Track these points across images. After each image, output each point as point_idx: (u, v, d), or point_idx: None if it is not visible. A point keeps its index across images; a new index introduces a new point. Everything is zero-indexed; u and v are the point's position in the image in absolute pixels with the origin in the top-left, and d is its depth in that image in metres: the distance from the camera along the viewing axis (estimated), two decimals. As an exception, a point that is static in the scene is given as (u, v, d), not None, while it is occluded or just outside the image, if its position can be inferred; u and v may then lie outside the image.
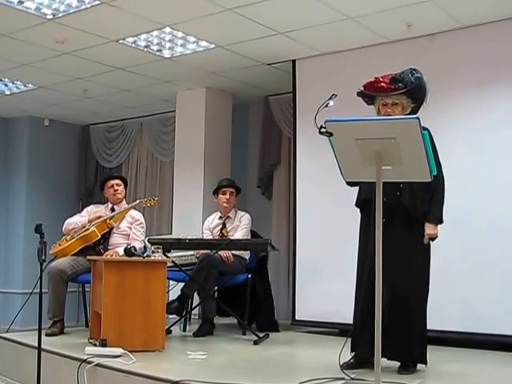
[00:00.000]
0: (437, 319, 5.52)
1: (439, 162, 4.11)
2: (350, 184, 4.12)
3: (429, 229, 4.17)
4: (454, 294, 5.55)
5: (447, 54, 5.87)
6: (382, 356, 3.85)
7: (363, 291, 4.06)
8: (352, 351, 4.17)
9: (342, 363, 4.00)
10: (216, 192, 6.55)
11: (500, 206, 5.47)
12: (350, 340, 4.14)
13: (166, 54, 6.76)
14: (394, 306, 3.98)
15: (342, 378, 3.61)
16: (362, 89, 4.26)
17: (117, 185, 6.13)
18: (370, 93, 4.23)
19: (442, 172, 4.16)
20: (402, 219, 4.13)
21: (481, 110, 5.68)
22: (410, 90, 4.15)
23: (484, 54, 5.68)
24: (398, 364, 4.09)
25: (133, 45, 6.46)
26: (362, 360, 4.13)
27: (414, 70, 4.23)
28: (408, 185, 4.08)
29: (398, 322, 3.99)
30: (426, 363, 4.15)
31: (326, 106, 3.79)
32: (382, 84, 4.18)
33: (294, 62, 6.89)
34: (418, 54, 5.95)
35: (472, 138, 5.69)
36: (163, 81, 7.72)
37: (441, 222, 4.21)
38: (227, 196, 6.45)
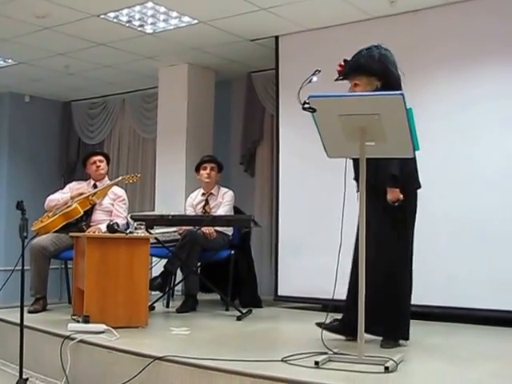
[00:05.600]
0: (421, 294, 5.59)
1: None
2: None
3: (388, 193, 4.04)
4: (438, 270, 5.60)
5: (429, 30, 5.86)
6: (368, 332, 3.89)
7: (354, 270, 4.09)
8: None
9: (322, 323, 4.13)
10: (197, 168, 6.55)
11: (482, 182, 5.51)
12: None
13: (148, 29, 6.70)
14: (377, 282, 3.99)
15: (325, 353, 3.63)
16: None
17: (99, 161, 6.11)
18: (339, 79, 4.23)
19: None
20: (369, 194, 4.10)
21: (463, 85, 5.71)
22: (355, 69, 4.13)
23: (466, 30, 5.69)
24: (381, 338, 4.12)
25: (114, 20, 6.39)
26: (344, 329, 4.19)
27: (374, 46, 4.18)
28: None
29: (381, 298, 4.01)
30: (407, 338, 4.18)
31: (310, 81, 3.79)
32: (339, 68, 4.20)
33: (276, 38, 6.86)
34: (401, 30, 5.97)
35: (452, 114, 5.71)
36: (145, 57, 7.66)
37: (395, 182, 4.02)
38: (208, 171, 6.45)
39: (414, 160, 4.09)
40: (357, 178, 4.16)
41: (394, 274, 4.10)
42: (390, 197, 4.01)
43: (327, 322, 4.22)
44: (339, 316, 4.31)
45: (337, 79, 4.23)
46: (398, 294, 4.14)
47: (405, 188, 4.05)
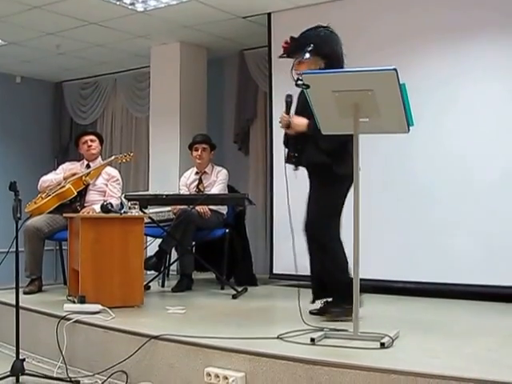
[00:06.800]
0: (413, 270, 5.64)
1: None
2: None
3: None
4: (429, 246, 5.62)
5: (422, 6, 5.82)
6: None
7: None
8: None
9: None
10: (190, 148, 6.53)
11: (477, 158, 5.49)
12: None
13: (139, 7, 6.63)
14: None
15: (322, 329, 3.65)
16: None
17: (91, 140, 6.07)
18: (283, 56, 4.32)
19: None
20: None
21: (454, 60, 5.66)
22: (301, 47, 4.16)
23: (459, 4, 5.65)
24: (377, 314, 4.16)
25: (105, -2, 6.34)
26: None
27: (322, 26, 4.26)
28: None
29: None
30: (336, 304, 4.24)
31: (303, 58, 3.77)
32: (284, 45, 4.27)
33: (269, 14, 6.80)
34: (394, 6, 5.92)
35: (446, 87, 5.69)
36: (137, 35, 7.60)
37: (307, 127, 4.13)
38: (199, 152, 6.43)
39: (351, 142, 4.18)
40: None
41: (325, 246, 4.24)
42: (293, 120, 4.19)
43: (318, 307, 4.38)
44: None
45: (281, 56, 4.29)
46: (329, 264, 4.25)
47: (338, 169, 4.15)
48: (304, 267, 6.26)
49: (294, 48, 4.22)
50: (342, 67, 4.14)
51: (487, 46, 5.49)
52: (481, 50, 5.52)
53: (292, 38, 4.25)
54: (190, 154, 6.55)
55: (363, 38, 5.97)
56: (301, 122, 4.17)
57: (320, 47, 4.15)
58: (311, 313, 4.29)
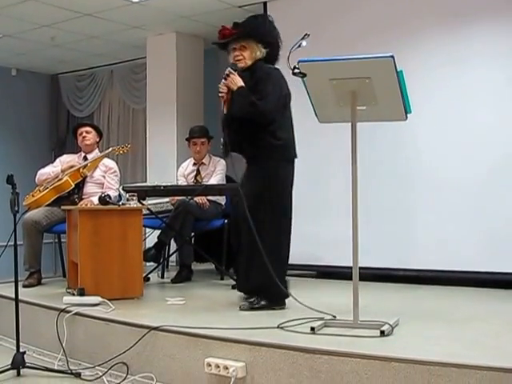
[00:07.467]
0: (413, 258, 5.64)
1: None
2: None
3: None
4: (429, 234, 5.62)
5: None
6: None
7: None
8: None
9: None
10: (188, 140, 6.51)
11: (475, 145, 5.48)
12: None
13: (134, -3, 6.63)
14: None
15: (322, 318, 3.65)
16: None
17: (86, 132, 6.04)
18: (220, 41, 4.41)
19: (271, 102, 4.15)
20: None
21: (452, 45, 5.64)
22: (249, 33, 4.29)
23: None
24: (377, 302, 4.14)
25: (99, -11, 6.32)
26: None
27: (262, 15, 4.45)
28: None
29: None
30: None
31: (299, 46, 3.75)
32: (226, 30, 4.35)
33: (265, 4, 6.80)
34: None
35: (443, 73, 5.67)
36: (132, 26, 7.57)
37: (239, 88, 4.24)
38: (198, 147, 6.42)
39: (291, 129, 4.30)
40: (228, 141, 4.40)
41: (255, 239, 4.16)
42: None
43: None
44: None
45: (221, 42, 4.36)
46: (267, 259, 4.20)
47: (281, 157, 4.22)
48: (299, 256, 6.31)
49: (240, 33, 4.32)
50: (278, 56, 4.33)
51: (486, 32, 5.46)
52: (481, 35, 5.49)
53: (236, 23, 4.35)
54: (188, 146, 6.53)
55: (358, 23, 5.96)
56: (237, 80, 4.26)
57: (263, 34, 4.30)
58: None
